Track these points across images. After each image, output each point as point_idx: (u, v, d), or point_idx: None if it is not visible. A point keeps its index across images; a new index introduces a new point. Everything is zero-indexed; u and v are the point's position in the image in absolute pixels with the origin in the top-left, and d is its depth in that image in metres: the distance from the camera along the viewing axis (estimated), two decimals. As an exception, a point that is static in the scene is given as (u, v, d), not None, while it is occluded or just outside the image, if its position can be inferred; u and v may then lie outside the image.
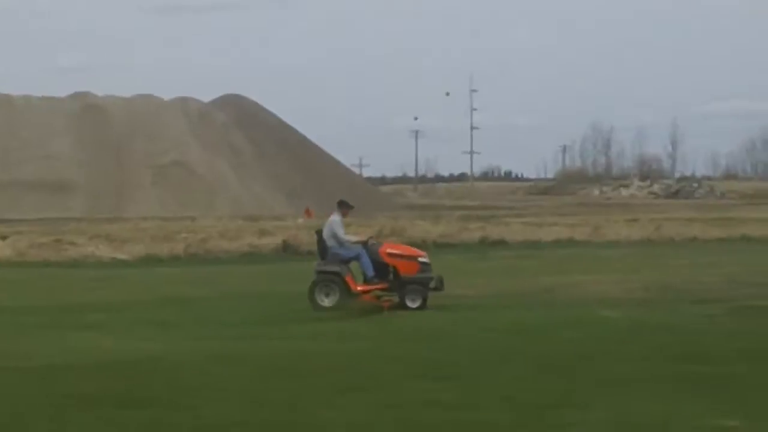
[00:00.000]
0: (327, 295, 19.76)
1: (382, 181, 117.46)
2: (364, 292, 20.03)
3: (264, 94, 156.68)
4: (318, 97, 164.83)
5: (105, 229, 46.80)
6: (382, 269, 20.12)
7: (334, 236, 20.01)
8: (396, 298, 19.90)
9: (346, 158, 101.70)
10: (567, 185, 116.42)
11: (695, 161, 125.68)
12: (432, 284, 19.87)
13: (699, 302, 20.93)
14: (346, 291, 19.74)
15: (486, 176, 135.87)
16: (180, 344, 15.65)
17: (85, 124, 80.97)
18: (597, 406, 10.31)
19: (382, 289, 20.17)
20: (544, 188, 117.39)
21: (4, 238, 39.36)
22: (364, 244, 20.60)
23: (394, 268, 20.08)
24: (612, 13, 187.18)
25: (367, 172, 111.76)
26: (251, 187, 77.62)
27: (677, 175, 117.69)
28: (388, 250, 20.65)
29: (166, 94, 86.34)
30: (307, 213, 56.47)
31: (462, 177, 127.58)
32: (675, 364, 13.33)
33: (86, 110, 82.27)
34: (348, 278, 19.87)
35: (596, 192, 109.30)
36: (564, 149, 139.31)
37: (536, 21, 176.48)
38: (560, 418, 9.78)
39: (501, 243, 41.30)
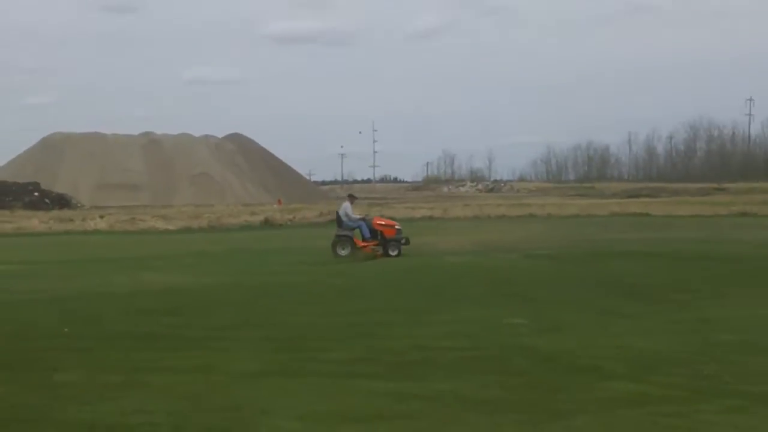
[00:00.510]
0: (343, 248, 26.60)
1: (323, 183, 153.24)
2: (364, 246, 26.76)
3: (254, 131, 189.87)
4: (286, 134, 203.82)
5: (160, 212, 62.07)
6: (374, 233, 27.05)
7: (346, 215, 27.24)
8: (381, 250, 26.61)
9: (302, 170, 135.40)
10: (429, 185, 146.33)
11: (503, 171, 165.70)
12: (403, 241, 26.85)
13: (506, 251, 25.64)
14: (354, 246, 26.67)
15: (382, 180, 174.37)
16: (202, 279, 20.07)
17: (149, 151, 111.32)
18: (447, 311, 14.03)
19: (374, 245, 26.91)
20: (416, 187, 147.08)
21: (102, 217, 52.51)
22: (363, 218, 27.59)
23: (381, 232, 27.07)
24: (448, 69, 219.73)
25: (314, 178, 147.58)
26: (247, 188, 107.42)
27: (492, 179, 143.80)
28: (377, 221, 27.93)
29: (196, 132, 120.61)
30: (279, 202, 76.69)
31: (368, 181, 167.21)
32: (492, 287, 17.40)
33: (149, 143, 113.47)
34: (355, 239, 26.83)
35: (445, 189, 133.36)
36: (427, 165, 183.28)
37: (406, 86, 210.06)
38: (429, 318, 13.37)
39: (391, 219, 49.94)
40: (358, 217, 27.91)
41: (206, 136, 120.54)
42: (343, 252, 26.60)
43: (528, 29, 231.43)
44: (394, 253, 26.53)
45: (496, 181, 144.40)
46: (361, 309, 14.75)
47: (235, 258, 26.64)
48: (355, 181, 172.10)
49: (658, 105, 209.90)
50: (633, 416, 7.33)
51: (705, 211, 55.14)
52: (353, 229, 27.23)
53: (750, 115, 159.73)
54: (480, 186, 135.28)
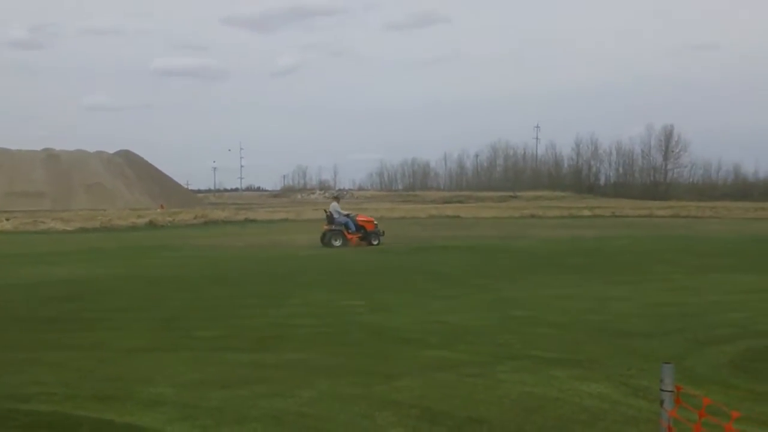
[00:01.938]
0: (336, 240, 26.88)
1: (198, 191, 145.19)
2: (351, 238, 27.08)
3: (141, 148, 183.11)
4: (168, 150, 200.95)
5: (59, 215, 56.90)
6: (358, 227, 27.54)
7: (336, 212, 27.26)
8: (366, 242, 27.19)
9: (181, 180, 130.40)
10: (286, 193, 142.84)
11: (345, 181, 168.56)
12: (381, 234, 27.94)
13: (345, 246, 26.01)
14: (345, 238, 26.93)
15: (248, 189, 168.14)
16: (95, 271, 19.36)
17: (49, 163, 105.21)
18: (298, 296, 13.98)
19: (359, 237, 27.30)
20: (275, 195, 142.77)
21: (8, 219, 49.58)
22: (348, 215, 27.86)
23: (363, 226, 27.68)
24: (302, 99, 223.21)
25: (191, 187, 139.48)
26: (134, 195, 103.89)
27: (337, 188, 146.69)
28: (359, 218, 28.16)
29: (90, 148, 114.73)
30: (161, 207, 74.42)
31: (236, 190, 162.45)
32: (335, 276, 17.40)
33: (49, 157, 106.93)
34: (344, 232, 27.12)
35: (299, 196, 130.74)
36: (284, 177, 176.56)
37: (268, 113, 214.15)
38: (283, 302, 13.28)
39: (253, 221, 51.32)
40: (345, 213, 28.11)
41: (99, 152, 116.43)
42: (336, 243, 26.91)
43: (366, 68, 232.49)
44: (375, 242, 27.43)
45: (340, 189, 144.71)
46: (226, 295, 14.59)
47: (124, 254, 25.77)
48: (226, 190, 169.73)
49: (467, 130, 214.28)
50: (445, 377, 7.45)
51: (503, 214, 56.87)
52: (343, 224, 27.45)
53: (537, 138, 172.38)
54: (327, 194, 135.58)
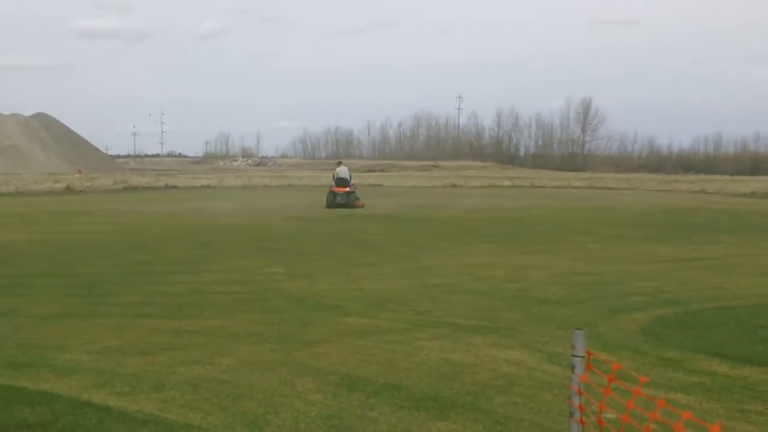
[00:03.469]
0: (352, 202, 28.49)
1: (118, 156, 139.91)
2: (358, 202, 28.88)
3: (58, 112, 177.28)
4: (86, 114, 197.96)
5: None
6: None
7: (350, 176, 29.26)
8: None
9: (100, 145, 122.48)
10: (208, 160, 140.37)
11: (268, 149, 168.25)
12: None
13: (268, 214, 25.76)
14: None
15: (169, 155, 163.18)
16: (11, 236, 18.78)
17: None
18: (219, 262, 13.91)
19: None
20: (197, 161, 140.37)
21: None
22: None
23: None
24: (227, 65, 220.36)
25: (110, 152, 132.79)
26: (51, 159, 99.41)
27: (260, 155, 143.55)
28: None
29: (4, 110, 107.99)
30: (80, 171, 73.35)
31: (158, 155, 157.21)
32: (257, 243, 17.39)
33: None
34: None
35: (221, 163, 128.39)
36: (206, 143, 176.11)
37: (192, 78, 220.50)
38: (204, 268, 13.27)
39: (174, 187, 50.60)
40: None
41: (14, 114, 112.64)
42: (351, 205, 28.55)
43: (293, 36, 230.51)
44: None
45: (263, 157, 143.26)
46: (146, 261, 14.43)
47: (40, 219, 25.02)
48: (146, 156, 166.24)
49: (390, 99, 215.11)
50: (365, 343, 7.49)
51: (425, 183, 57.12)
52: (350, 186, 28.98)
53: (459, 109, 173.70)
54: (250, 161, 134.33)
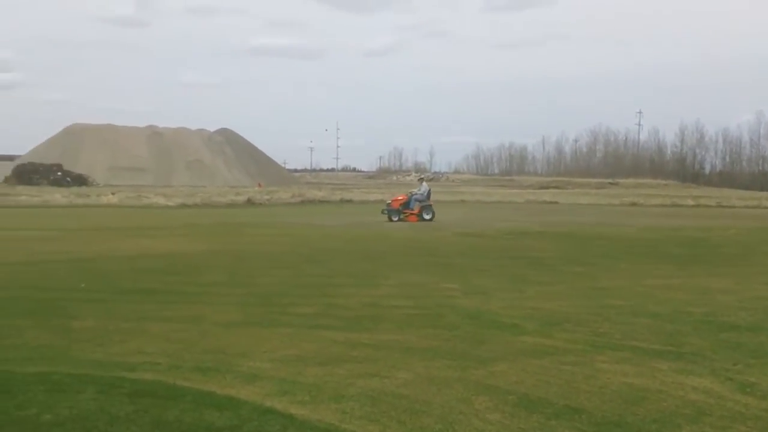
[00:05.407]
0: (427, 213, 30.78)
1: (295, 170, 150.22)
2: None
3: (239, 127, 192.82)
4: (266, 129, 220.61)
5: (161, 190, 60.53)
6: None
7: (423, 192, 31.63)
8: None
9: (278, 159, 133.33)
10: (382, 174, 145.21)
11: (441, 164, 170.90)
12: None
13: (440, 230, 25.33)
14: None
15: (344, 170, 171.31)
16: (195, 246, 19.82)
17: (152, 140, 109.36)
18: (393, 277, 13.99)
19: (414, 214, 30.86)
20: (371, 176, 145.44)
21: (113, 193, 51.71)
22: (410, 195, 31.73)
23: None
24: (399, 80, 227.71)
25: (288, 167, 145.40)
26: (233, 173, 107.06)
27: (432, 170, 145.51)
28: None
29: (192, 126, 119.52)
30: (259, 185, 78.75)
31: (333, 170, 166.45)
32: (429, 258, 17.42)
33: (153, 134, 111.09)
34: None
35: (394, 178, 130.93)
36: (380, 158, 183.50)
37: (365, 93, 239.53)
38: (377, 282, 13.36)
39: (349, 201, 52.44)
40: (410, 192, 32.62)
41: (200, 130, 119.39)
42: (427, 216, 30.70)
43: (463, 51, 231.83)
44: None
45: (435, 172, 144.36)
46: (322, 273, 14.69)
47: (222, 230, 26.34)
48: (322, 170, 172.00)
49: (566, 114, 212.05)
50: (542, 364, 7.36)
51: (601, 201, 55.78)
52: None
53: (639, 125, 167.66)
54: (423, 176, 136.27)
